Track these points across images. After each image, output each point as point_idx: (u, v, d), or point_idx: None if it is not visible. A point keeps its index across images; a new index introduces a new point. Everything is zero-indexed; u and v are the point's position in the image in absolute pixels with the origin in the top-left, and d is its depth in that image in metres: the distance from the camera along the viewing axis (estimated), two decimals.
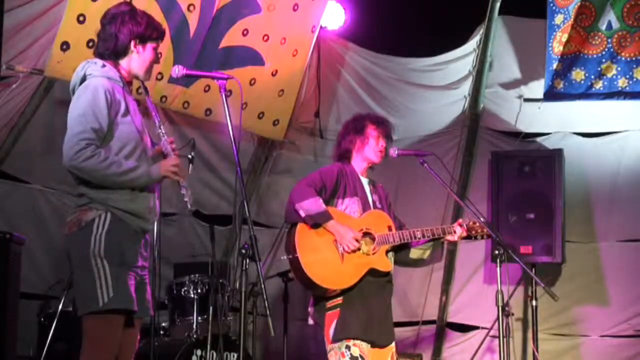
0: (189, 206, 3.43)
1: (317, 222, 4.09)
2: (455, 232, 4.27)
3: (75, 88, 3.40)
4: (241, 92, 3.88)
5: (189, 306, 5.49)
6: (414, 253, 4.38)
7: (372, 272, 4.17)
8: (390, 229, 4.26)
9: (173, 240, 6.71)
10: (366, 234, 4.21)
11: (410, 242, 4.31)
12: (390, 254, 4.31)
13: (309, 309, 4.29)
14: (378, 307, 4.18)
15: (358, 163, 4.40)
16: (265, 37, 6.30)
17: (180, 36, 5.72)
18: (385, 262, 4.23)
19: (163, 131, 3.52)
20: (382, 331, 4.17)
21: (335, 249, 4.12)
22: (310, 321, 4.29)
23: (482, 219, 4.31)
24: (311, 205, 4.07)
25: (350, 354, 4.04)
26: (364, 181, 4.40)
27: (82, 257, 3.25)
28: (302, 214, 4.07)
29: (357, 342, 4.06)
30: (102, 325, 3.24)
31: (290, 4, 6.31)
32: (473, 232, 4.32)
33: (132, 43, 3.42)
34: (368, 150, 4.36)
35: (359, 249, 4.14)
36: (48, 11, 5.33)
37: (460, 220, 4.35)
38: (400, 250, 4.35)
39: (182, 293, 5.52)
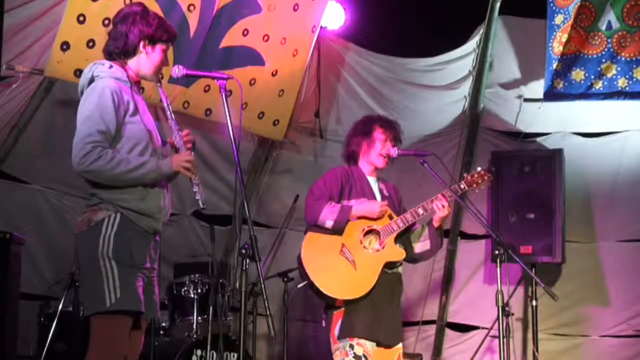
0: (201, 205, 3.42)
1: (344, 221, 4.14)
2: (444, 199, 4.26)
3: (83, 90, 3.40)
4: (241, 92, 3.91)
5: (189, 306, 5.50)
6: (416, 247, 4.39)
7: (388, 265, 4.20)
8: (391, 217, 4.27)
9: (173, 240, 6.70)
10: (370, 232, 4.23)
11: (415, 223, 4.33)
12: (399, 243, 4.32)
13: (323, 314, 4.32)
14: (386, 307, 4.19)
15: (365, 165, 4.41)
16: (266, 37, 6.30)
17: (181, 36, 5.69)
18: (397, 252, 4.26)
19: (175, 123, 3.51)
20: (388, 331, 4.18)
21: (345, 259, 4.14)
22: (324, 323, 4.31)
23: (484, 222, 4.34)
24: (328, 213, 4.13)
25: (354, 352, 4.05)
26: (372, 180, 4.40)
27: (91, 257, 3.25)
28: (330, 223, 4.13)
29: (361, 341, 4.07)
30: (110, 325, 3.24)
31: (291, 4, 6.31)
32: (474, 185, 4.34)
33: (142, 44, 3.43)
34: (374, 154, 4.37)
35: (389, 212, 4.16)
36: (48, 11, 5.32)
37: (440, 195, 4.32)
38: (405, 235, 4.35)
39: (182, 293, 5.52)
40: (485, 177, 4.40)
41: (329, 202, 4.16)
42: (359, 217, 4.20)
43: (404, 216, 4.26)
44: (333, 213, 4.12)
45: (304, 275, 4.13)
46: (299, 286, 4.25)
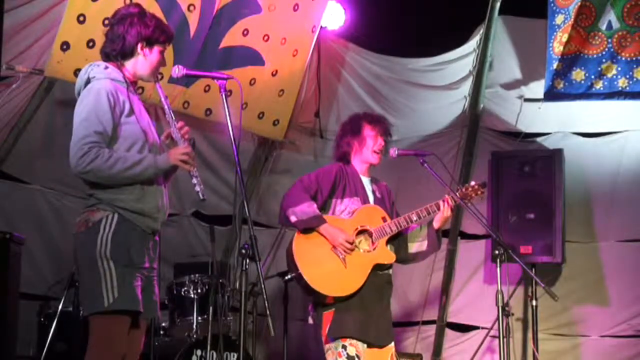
0: (201, 197, 3.40)
1: (308, 226, 4.10)
2: (447, 203, 4.26)
3: (80, 92, 3.41)
4: (241, 92, 3.91)
5: (189, 306, 5.50)
6: (412, 247, 4.39)
7: (377, 267, 4.19)
8: (385, 219, 4.27)
9: (173, 240, 6.70)
10: (362, 232, 4.22)
11: (407, 228, 4.31)
12: (390, 246, 4.31)
13: (310, 311, 4.30)
14: (375, 308, 4.18)
15: (358, 164, 4.40)
16: (266, 37, 6.30)
17: (181, 36, 5.72)
18: (387, 255, 4.26)
19: (172, 116, 3.51)
20: (379, 332, 4.17)
21: (336, 256, 4.13)
22: (310, 321, 4.31)
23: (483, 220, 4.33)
24: (303, 210, 4.08)
25: (347, 353, 4.05)
26: (365, 180, 4.39)
27: (89, 258, 3.25)
28: (293, 219, 4.08)
29: (353, 341, 4.07)
30: (108, 325, 3.24)
31: (291, 4, 6.31)
32: (467, 198, 4.34)
33: (139, 45, 3.43)
34: (366, 152, 4.36)
35: (353, 249, 4.14)
36: (48, 11, 5.32)
37: (447, 197, 4.33)
38: (397, 238, 4.35)
39: (182, 293, 5.52)
40: (479, 192, 4.40)
41: (311, 201, 4.13)
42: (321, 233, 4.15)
43: (398, 220, 4.25)
44: (304, 214, 4.07)
45: (293, 268, 4.11)
46: (286, 278, 4.22)
